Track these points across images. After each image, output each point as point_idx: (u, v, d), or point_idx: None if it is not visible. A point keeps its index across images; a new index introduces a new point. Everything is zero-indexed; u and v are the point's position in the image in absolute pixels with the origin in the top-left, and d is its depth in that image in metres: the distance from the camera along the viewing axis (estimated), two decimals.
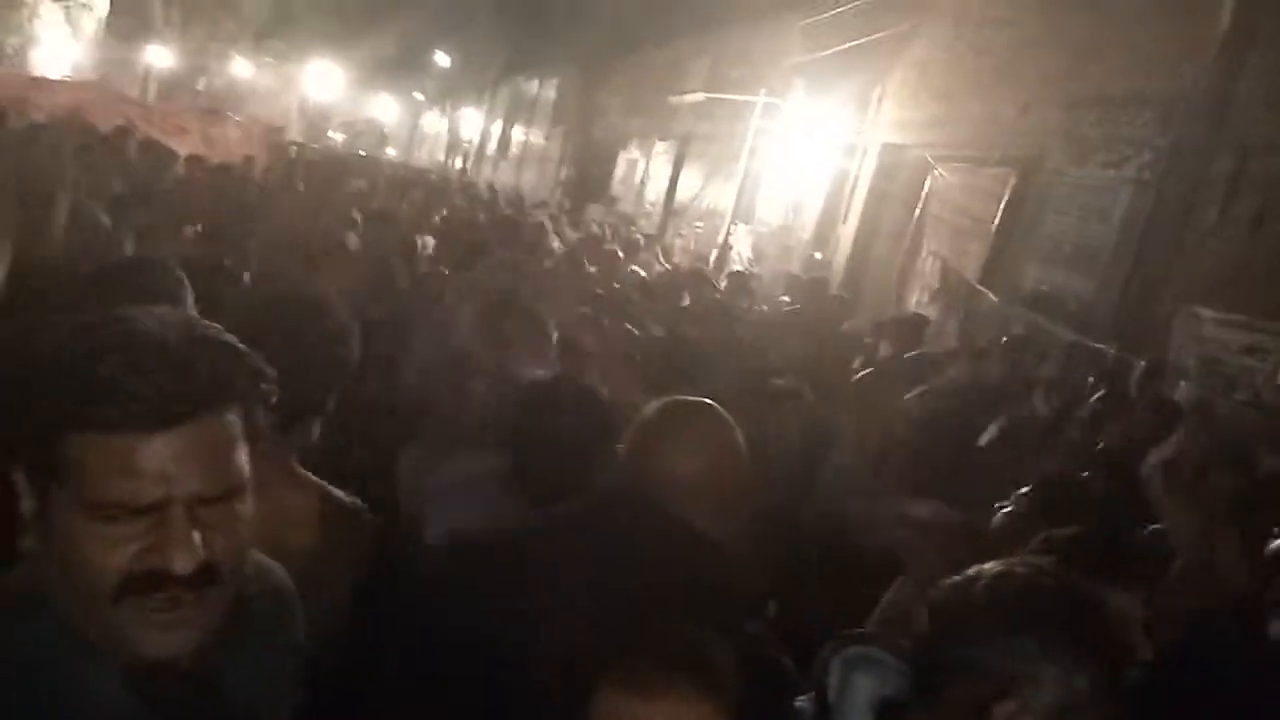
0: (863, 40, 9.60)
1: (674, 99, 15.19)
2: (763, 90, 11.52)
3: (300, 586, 1.32)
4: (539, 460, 1.62)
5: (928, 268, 9.27)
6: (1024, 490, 1.99)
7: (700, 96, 13.87)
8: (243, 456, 0.85)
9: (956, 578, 1.15)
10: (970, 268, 8.29)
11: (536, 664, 1.03)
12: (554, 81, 23.36)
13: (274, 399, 0.89)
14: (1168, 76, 6.32)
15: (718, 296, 6.16)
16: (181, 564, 0.80)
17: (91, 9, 16.12)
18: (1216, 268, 5.85)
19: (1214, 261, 5.88)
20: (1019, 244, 7.68)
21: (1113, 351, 5.97)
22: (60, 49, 14.79)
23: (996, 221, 7.96)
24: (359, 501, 1.46)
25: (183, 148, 7.40)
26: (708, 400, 1.35)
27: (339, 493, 1.44)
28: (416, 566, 1.37)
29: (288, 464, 1.42)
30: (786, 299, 7.75)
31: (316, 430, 1.47)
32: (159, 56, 17.76)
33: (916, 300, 9.16)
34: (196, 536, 0.81)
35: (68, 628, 0.81)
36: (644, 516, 1.20)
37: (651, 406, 1.32)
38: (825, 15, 10.22)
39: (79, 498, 0.78)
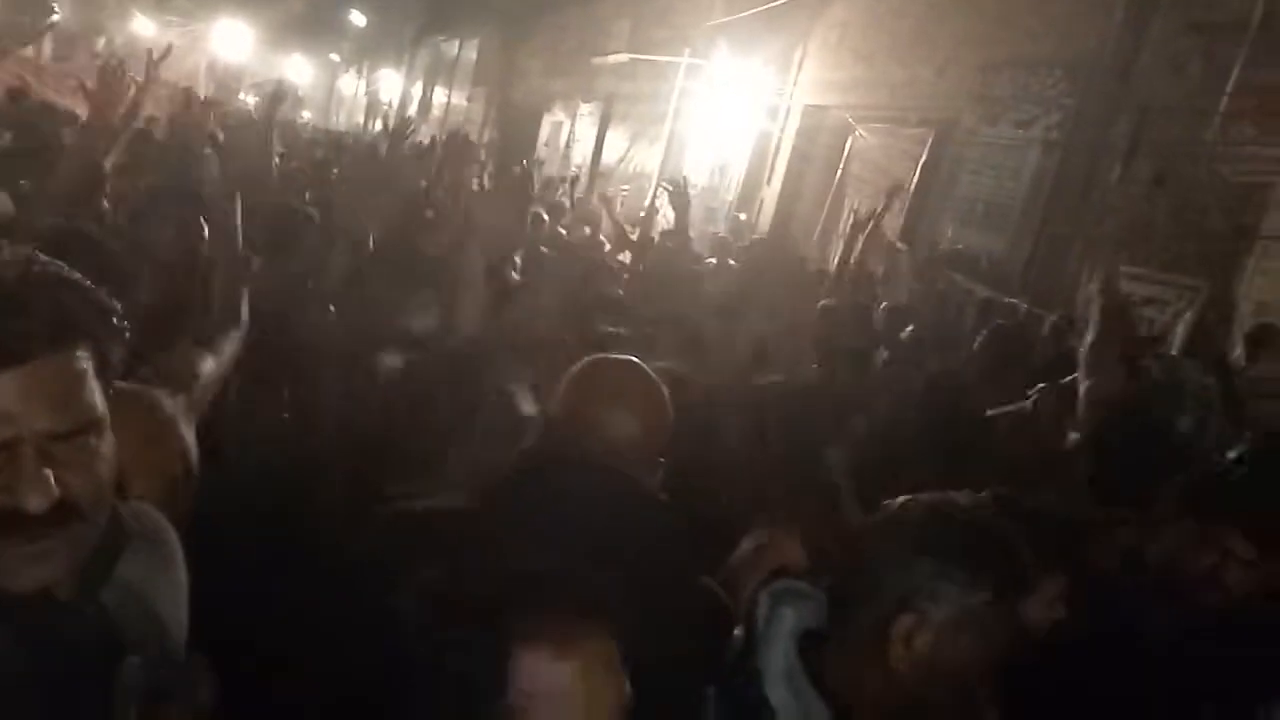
0: (782, 1, 9.63)
1: (597, 60, 15.03)
2: (686, 51, 11.48)
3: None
4: None
5: (849, 228, 9.44)
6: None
7: (624, 57, 13.75)
8: (95, 392, 0.84)
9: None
10: (890, 227, 8.47)
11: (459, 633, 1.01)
12: (474, 42, 22.86)
13: (127, 334, 0.88)
14: (1075, 39, 6.51)
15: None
16: (35, 502, 0.80)
17: None
18: (1119, 224, 6.11)
19: (1117, 218, 6.13)
20: (936, 203, 7.88)
21: (1024, 306, 6.21)
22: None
23: (915, 181, 8.14)
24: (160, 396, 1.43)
25: (81, 109, 7.05)
26: (632, 358, 1.37)
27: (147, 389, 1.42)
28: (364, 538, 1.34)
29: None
30: (713, 261, 7.81)
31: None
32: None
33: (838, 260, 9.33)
34: (49, 474, 0.80)
35: None
36: (589, 479, 1.20)
37: (577, 367, 1.33)
38: None
39: None
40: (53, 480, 0.80)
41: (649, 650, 0.97)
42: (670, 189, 4.45)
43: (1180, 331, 5.55)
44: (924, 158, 8.06)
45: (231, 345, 1.94)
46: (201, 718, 1.01)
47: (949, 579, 1.14)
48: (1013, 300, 6.30)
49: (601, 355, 1.38)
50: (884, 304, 6.21)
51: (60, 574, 0.83)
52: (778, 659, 1.15)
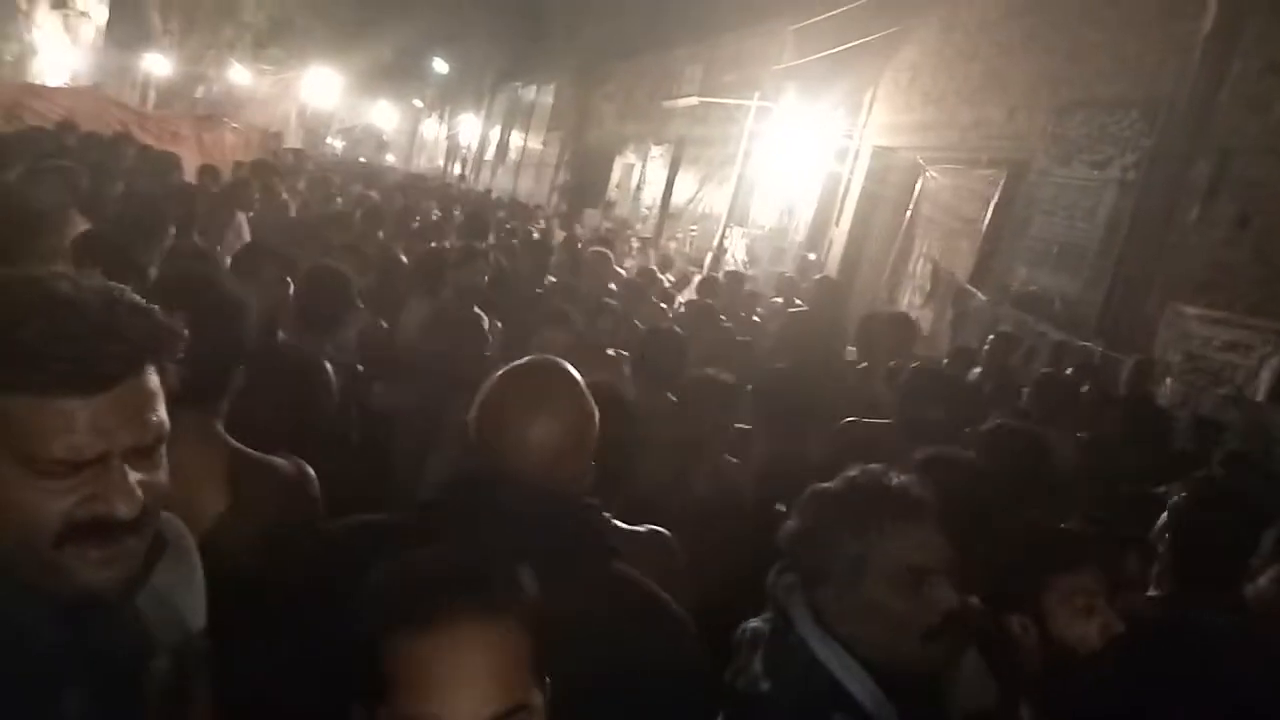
0: (853, 44, 9.68)
1: (668, 103, 15.29)
2: (756, 94, 11.61)
3: (211, 535, 1.39)
4: None
5: (919, 269, 9.36)
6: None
7: (694, 101, 13.96)
8: (163, 409, 0.92)
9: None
10: (961, 268, 8.37)
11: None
12: (550, 87, 23.46)
13: (182, 355, 0.96)
14: (1152, 79, 6.40)
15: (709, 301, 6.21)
16: (126, 510, 0.87)
17: (89, 17, 16.19)
18: (1199, 266, 5.93)
19: (1196, 260, 5.95)
20: (1008, 244, 7.76)
21: (1099, 349, 6.04)
22: (58, 57, 14.88)
23: (986, 222, 8.05)
24: (275, 460, 1.53)
25: (181, 151, 7.48)
26: (552, 358, 1.35)
27: (254, 452, 1.52)
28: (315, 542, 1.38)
29: (212, 432, 1.52)
30: (780, 300, 7.81)
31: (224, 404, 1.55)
32: (157, 64, 17.84)
33: (908, 301, 9.24)
34: (135, 485, 0.87)
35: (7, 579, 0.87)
36: (506, 496, 1.20)
37: (499, 373, 1.30)
38: (816, 19, 10.31)
39: (17, 453, 0.83)
40: (138, 490, 0.87)
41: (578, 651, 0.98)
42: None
43: (1265, 376, 5.34)
44: (995, 198, 7.97)
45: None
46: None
47: (868, 533, 1.30)
48: (1087, 343, 6.14)
49: (525, 360, 1.34)
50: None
51: (129, 576, 0.90)
52: (813, 630, 1.27)
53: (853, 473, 1.35)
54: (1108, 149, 6.68)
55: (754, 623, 1.38)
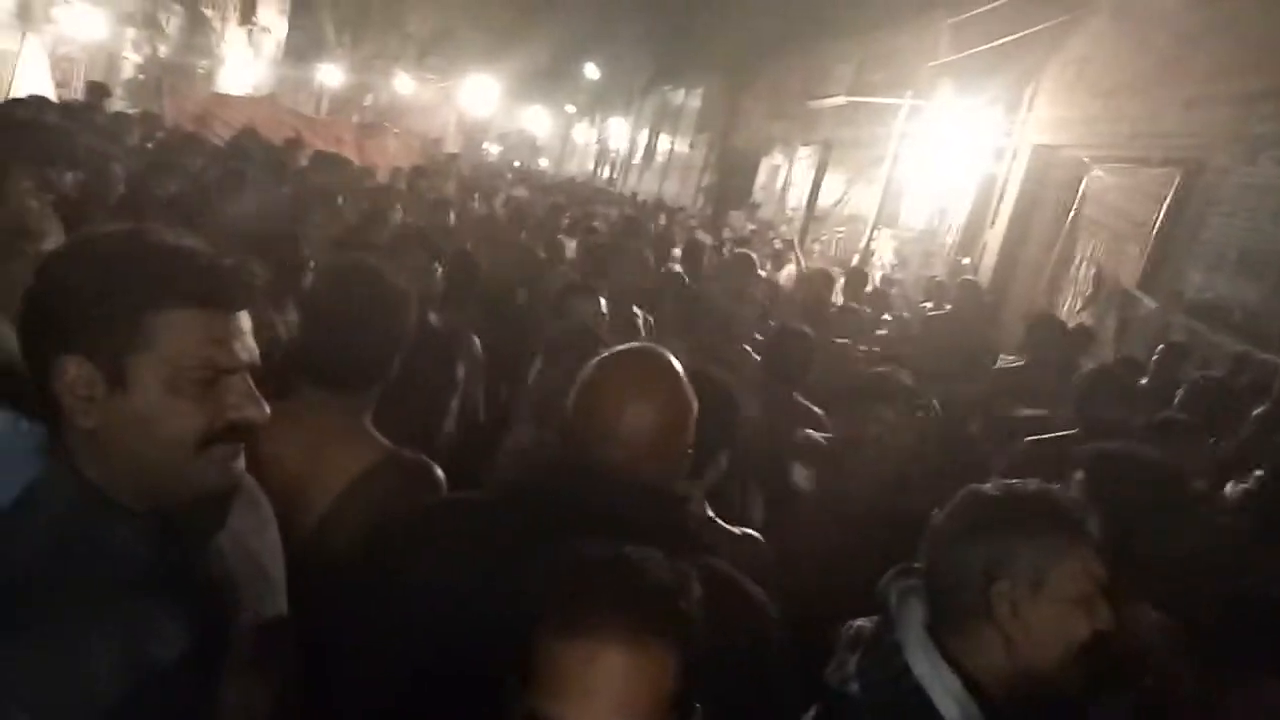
0: (1015, 36, 9.22)
1: (816, 103, 15.03)
2: (908, 93, 11.25)
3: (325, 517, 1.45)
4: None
5: (1080, 273, 8.81)
6: (1078, 474, 1.91)
7: (843, 100, 13.67)
8: None
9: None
10: (1127, 273, 7.82)
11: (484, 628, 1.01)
12: (698, 90, 23.54)
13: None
14: None
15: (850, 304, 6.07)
16: (261, 415, 1.00)
17: (271, 32, 17.50)
18: None
19: None
20: (1181, 248, 7.19)
21: None
22: (243, 69, 16.15)
23: (1157, 225, 7.48)
24: (426, 460, 1.57)
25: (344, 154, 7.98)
26: (652, 346, 1.32)
27: (408, 452, 1.57)
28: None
29: (359, 425, 1.59)
30: (929, 304, 7.54)
31: (377, 391, 1.61)
32: (330, 75, 19.06)
33: (1068, 307, 8.71)
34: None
35: (93, 498, 0.96)
36: (592, 485, 1.19)
37: (596, 360, 1.28)
38: (974, 12, 9.88)
39: (170, 363, 0.94)
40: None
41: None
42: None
43: None
44: (1168, 200, 7.39)
45: None
46: (290, 687, 1.13)
47: (1014, 541, 1.24)
48: (1270, 356, 5.61)
49: (625, 347, 1.32)
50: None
51: (239, 479, 1.03)
52: (914, 636, 1.25)
53: (1014, 481, 1.33)
54: None
55: (860, 621, 1.36)
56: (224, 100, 10.20)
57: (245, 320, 1.00)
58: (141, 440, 0.95)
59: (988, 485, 1.32)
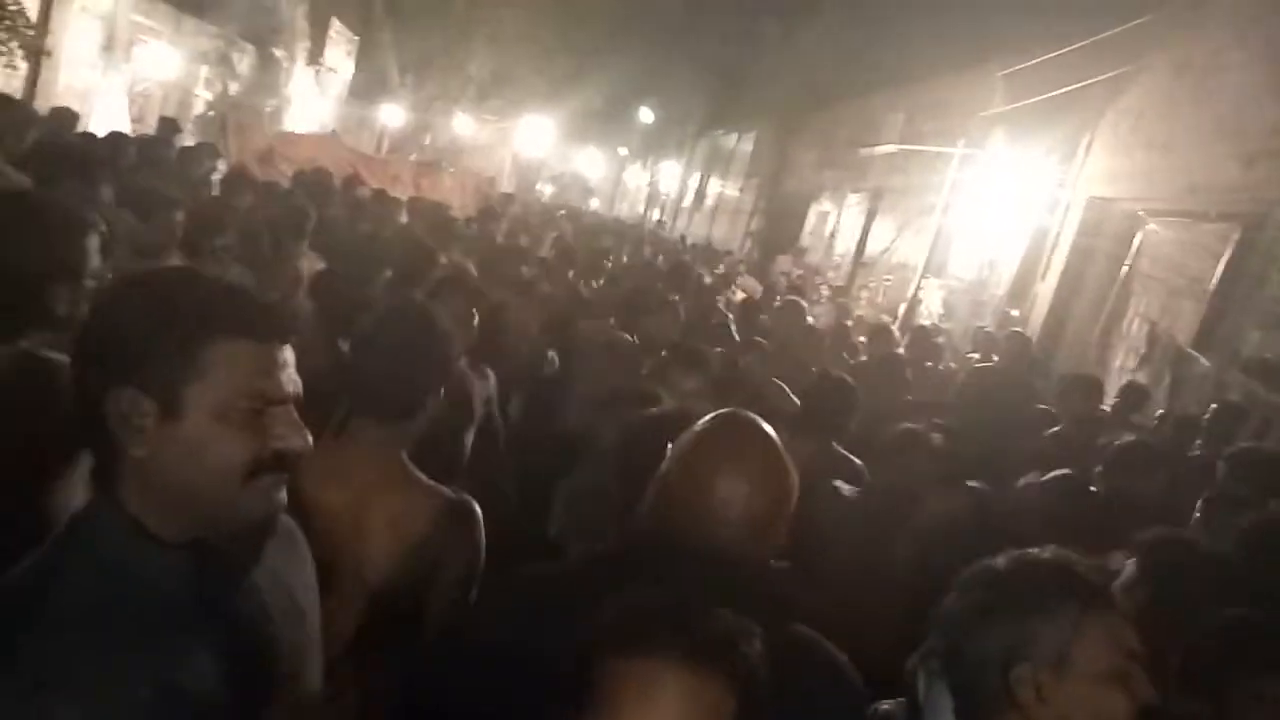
0: (1070, 88, 9.16)
1: (866, 151, 15.04)
2: (960, 141, 11.21)
3: (413, 574, 1.47)
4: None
5: (1134, 329, 8.63)
6: (1131, 561, 1.86)
7: (893, 148, 13.66)
8: None
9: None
10: (1182, 330, 7.65)
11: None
12: (750, 135, 23.71)
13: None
14: None
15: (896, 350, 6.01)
16: (305, 444, 1.03)
17: (337, 72, 18.08)
18: None
19: None
20: (1240, 306, 7.01)
21: None
22: (309, 108, 16.69)
23: (1215, 281, 7.32)
24: (467, 497, 1.62)
25: (398, 192, 8.19)
26: (750, 415, 1.29)
27: (448, 490, 1.62)
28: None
29: (398, 457, 1.63)
30: (976, 355, 7.43)
31: (420, 425, 1.66)
32: (392, 114, 19.59)
33: (1120, 364, 8.53)
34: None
35: (135, 530, 0.99)
36: (693, 559, 1.16)
37: (699, 425, 1.26)
38: (1028, 64, 9.85)
39: (221, 393, 0.98)
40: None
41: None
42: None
43: None
44: (1227, 255, 7.24)
45: None
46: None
47: (1030, 619, 1.16)
48: None
49: (727, 412, 1.30)
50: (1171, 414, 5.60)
51: (281, 509, 1.05)
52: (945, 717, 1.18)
53: (1027, 552, 1.23)
54: None
55: (887, 705, 1.29)
56: (287, 137, 10.55)
57: (290, 353, 1.05)
58: (192, 468, 0.98)
59: (999, 558, 1.23)
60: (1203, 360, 6.87)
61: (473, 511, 1.62)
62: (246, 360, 1.00)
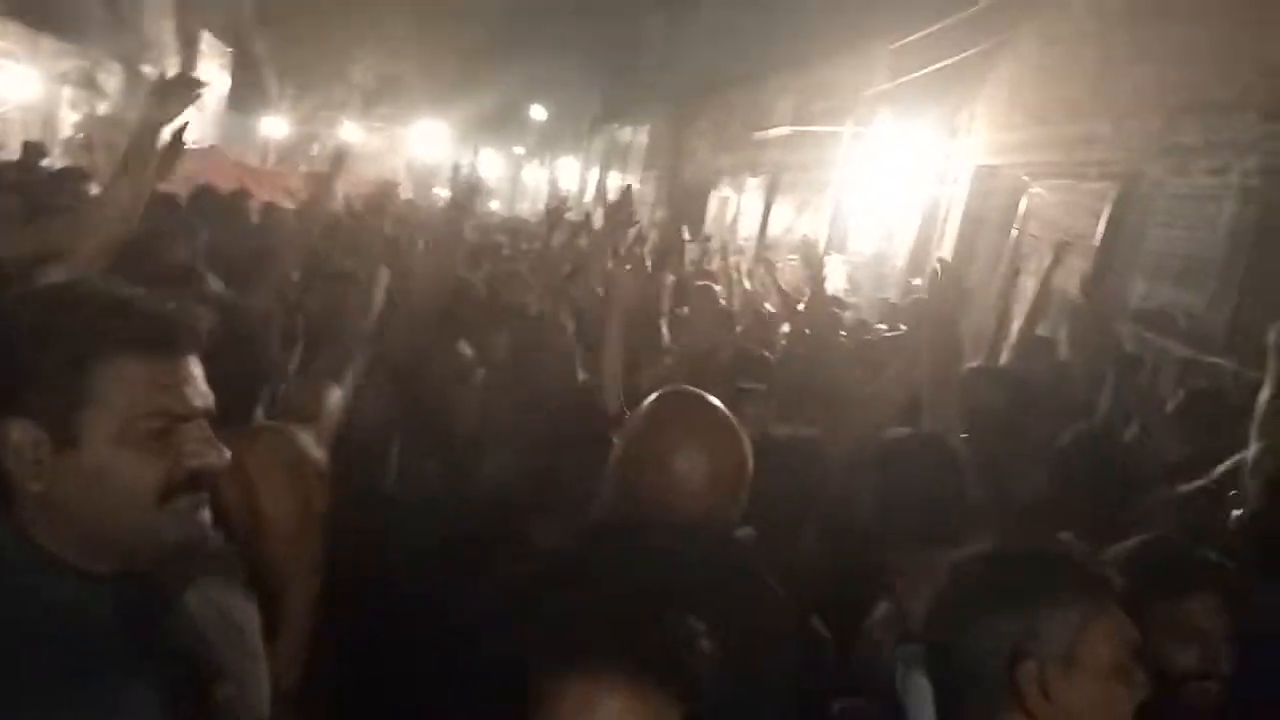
0: (947, 63, 9.48)
1: (761, 135, 15.27)
2: (849, 120, 11.48)
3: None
4: None
5: (1028, 289, 9.00)
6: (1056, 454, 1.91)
7: (787, 130, 13.91)
8: None
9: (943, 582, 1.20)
10: (1073, 286, 8.01)
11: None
12: (645, 127, 23.80)
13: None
14: (1269, 78, 6.03)
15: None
16: (221, 460, 0.97)
17: (213, 86, 17.44)
18: None
19: None
20: (1123, 260, 7.39)
21: (1231, 366, 5.66)
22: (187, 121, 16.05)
23: (1098, 238, 7.69)
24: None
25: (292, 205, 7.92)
26: (693, 389, 1.30)
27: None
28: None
29: None
30: (884, 327, 7.62)
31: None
32: (275, 127, 19.01)
33: (1018, 323, 8.88)
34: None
35: (49, 564, 0.91)
36: (661, 539, 1.16)
37: (647, 404, 1.26)
38: (906, 41, 10.15)
39: (120, 416, 0.91)
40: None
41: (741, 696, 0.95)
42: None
43: None
44: (1107, 212, 7.61)
45: (352, 377, 2.13)
46: None
47: (1039, 612, 1.11)
48: (1216, 360, 5.76)
49: (672, 390, 1.30)
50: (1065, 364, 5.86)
51: (205, 530, 0.97)
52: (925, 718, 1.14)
53: (1006, 546, 1.21)
54: (1225, 155, 6.30)
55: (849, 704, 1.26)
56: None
57: (195, 365, 0.98)
58: (97, 499, 0.91)
59: (992, 549, 1.20)
60: (1094, 312, 7.19)
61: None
62: (144, 377, 0.93)
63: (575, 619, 0.95)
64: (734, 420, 1.25)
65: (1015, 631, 1.10)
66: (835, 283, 12.14)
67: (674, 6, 22.81)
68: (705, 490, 1.19)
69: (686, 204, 19.12)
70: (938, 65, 9.63)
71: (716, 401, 1.27)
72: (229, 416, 1.52)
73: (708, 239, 17.04)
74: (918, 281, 10.24)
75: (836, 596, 1.83)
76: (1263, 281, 5.93)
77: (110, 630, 0.91)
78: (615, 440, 1.26)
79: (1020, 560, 1.16)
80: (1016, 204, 9.13)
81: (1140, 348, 6.50)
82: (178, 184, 8.14)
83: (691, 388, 1.30)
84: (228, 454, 0.97)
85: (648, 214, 21.81)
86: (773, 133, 14.67)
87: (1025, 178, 9.05)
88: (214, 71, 17.88)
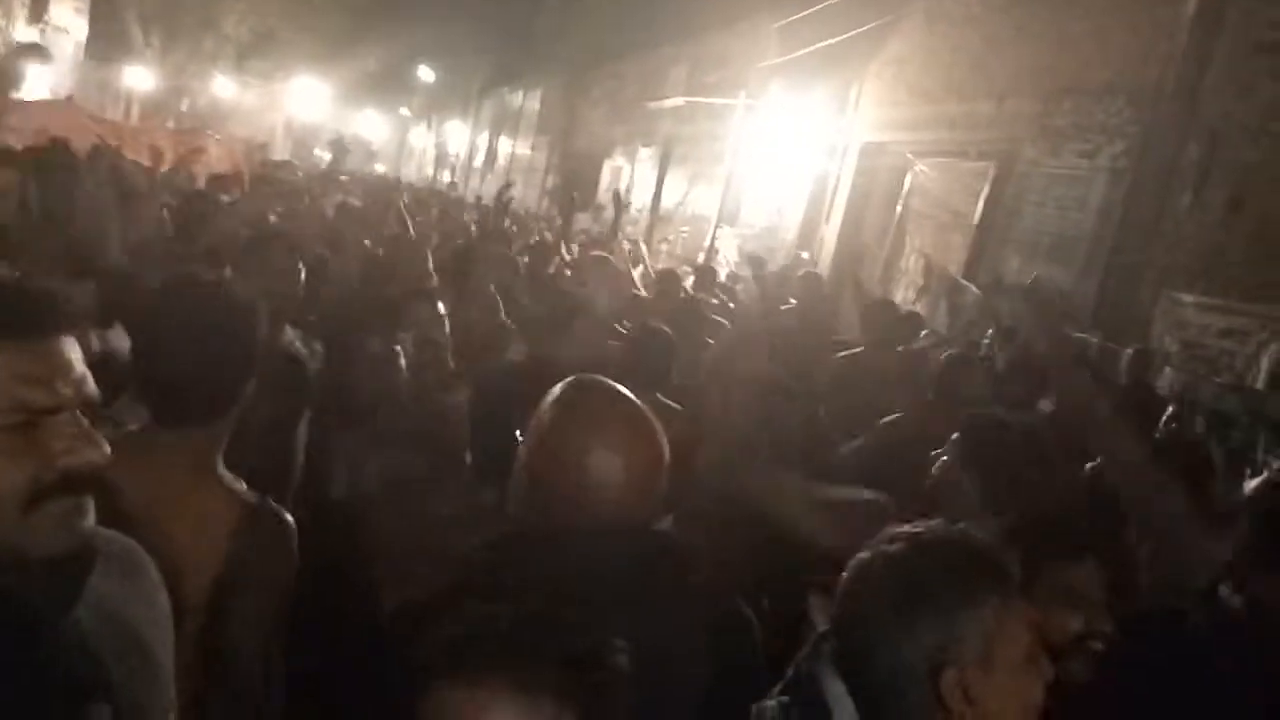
0: (837, 39, 9.62)
1: (654, 105, 15.22)
2: (742, 93, 11.55)
3: (219, 589, 1.29)
4: None
5: (911, 264, 9.29)
6: (954, 437, 1.94)
7: (680, 101, 13.90)
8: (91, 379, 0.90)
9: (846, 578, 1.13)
10: (954, 262, 8.30)
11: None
12: (537, 93, 23.41)
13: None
14: (1138, 65, 6.34)
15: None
16: (100, 456, 0.84)
17: (68, 32, 16.11)
18: (1193, 253, 5.87)
19: (1190, 247, 5.89)
20: (1000, 236, 7.70)
21: (1096, 340, 5.98)
22: (36, 72, 14.78)
23: (977, 215, 7.99)
24: (280, 509, 1.41)
25: (160, 167, 7.39)
26: (598, 379, 1.22)
27: (261, 499, 1.40)
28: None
29: (210, 466, 1.39)
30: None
31: (231, 423, 1.43)
32: (139, 78, 17.75)
33: (903, 297, 9.16)
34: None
35: None
36: (579, 538, 1.09)
37: (554, 399, 1.18)
38: (799, 15, 10.25)
39: None
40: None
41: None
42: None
43: (1265, 364, 5.27)
44: (986, 191, 7.90)
45: None
46: None
47: (955, 617, 1.07)
48: (1083, 334, 6.07)
49: (577, 382, 1.21)
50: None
51: (85, 538, 0.86)
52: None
53: (915, 531, 1.12)
54: (1096, 137, 6.62)
55: (769, 703, 1.14)
56: (13, 105, 9.26)
57: (66, 348, 0.86)
58: None
59: (891, 544, 1.11)
60: (973, 288, 7.48)
61: (287, 527, 1.39)
62: None
63: (475, 629, 0.89)
64: (646, 410, 1.18)
65: (932, 641, 1.06)
66: (727, 255, 12.29)
67: None
68: (622, 492, 1.12)
69: (579, 172, 18.93)
70: (826, 42, 9.77)
71: (625, 392, 1.19)
72: (214, 408, 1.39)
73: (600, 208, 16.99)
74: (806, 255, 10.44)
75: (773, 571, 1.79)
76: (1128, 259, 6.28)
77: None
78: (520, 436, 1.18)
79: (926, 558, 1.08)
80: (902, 180, 9.39)
81: (1015, 321, 6.78)
82: (25, 137, 7.52)
83: (599, 378, 1.22)
84: (107, 448, 0.84)
85: (540, 181, 21.51)
86: (666, 103, 14.63)
87: (910, 155, 9.31)
88: (69, 16, 16.49)
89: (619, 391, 1.20)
